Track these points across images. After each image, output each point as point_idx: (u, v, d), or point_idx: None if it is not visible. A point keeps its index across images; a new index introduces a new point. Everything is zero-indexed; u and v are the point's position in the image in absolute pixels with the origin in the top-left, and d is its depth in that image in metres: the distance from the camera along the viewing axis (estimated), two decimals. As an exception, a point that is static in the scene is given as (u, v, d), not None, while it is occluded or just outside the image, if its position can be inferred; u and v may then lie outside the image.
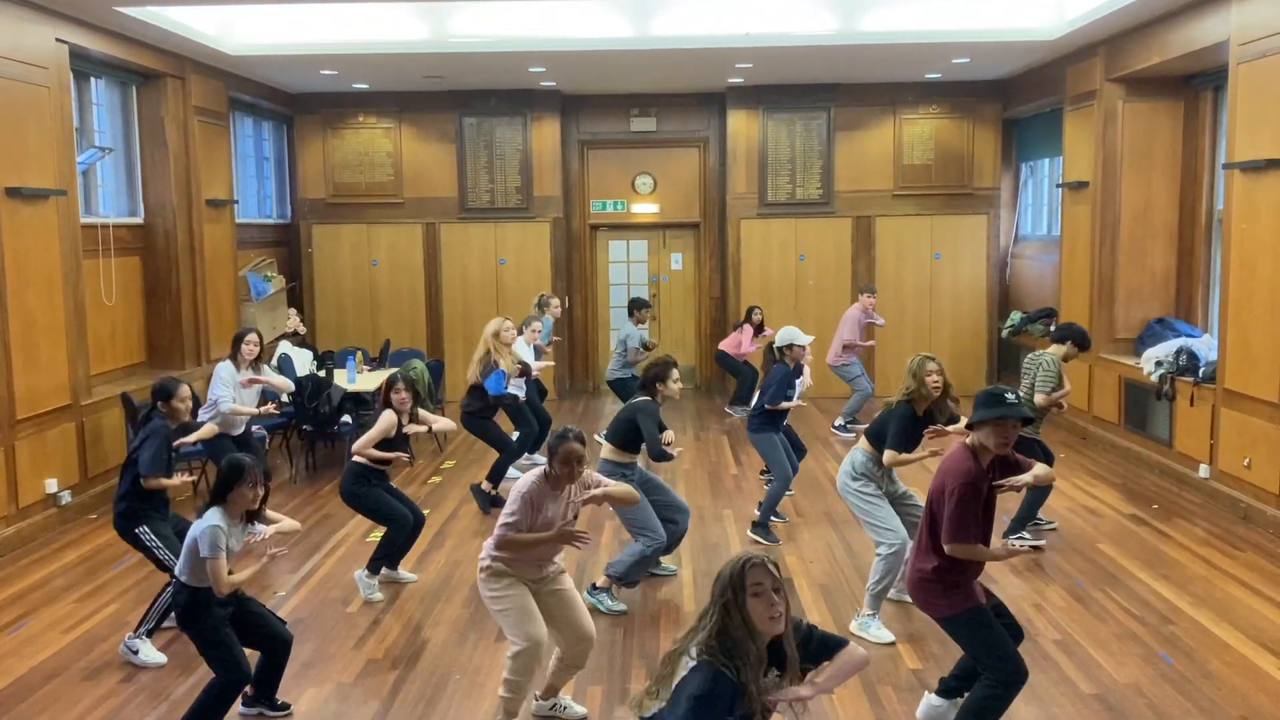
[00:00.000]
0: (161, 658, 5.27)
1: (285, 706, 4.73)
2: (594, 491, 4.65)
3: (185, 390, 5.75)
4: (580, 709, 4.71)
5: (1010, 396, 4.04)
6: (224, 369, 7.31)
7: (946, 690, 4.50)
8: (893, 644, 5.41)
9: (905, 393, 5.60)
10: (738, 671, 2.80)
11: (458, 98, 12.74)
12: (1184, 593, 6.07)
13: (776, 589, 2.85)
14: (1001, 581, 6.32)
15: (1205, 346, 8.64)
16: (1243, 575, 6.36)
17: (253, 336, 7.47)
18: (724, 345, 11.65)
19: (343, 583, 6.45)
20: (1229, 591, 6.10)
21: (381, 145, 12.93)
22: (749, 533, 7.24)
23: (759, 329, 11.34)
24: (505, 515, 4.47)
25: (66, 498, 7.78)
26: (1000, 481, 4.11)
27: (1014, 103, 12.42)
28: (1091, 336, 7.88)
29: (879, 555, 5.57)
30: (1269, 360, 7.28)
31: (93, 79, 9.19)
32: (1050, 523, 7.36)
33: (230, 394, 7.22)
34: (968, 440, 4.14)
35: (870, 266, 12.86)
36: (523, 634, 4.41)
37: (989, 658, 4.06)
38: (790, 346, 7.47)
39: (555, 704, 4.69)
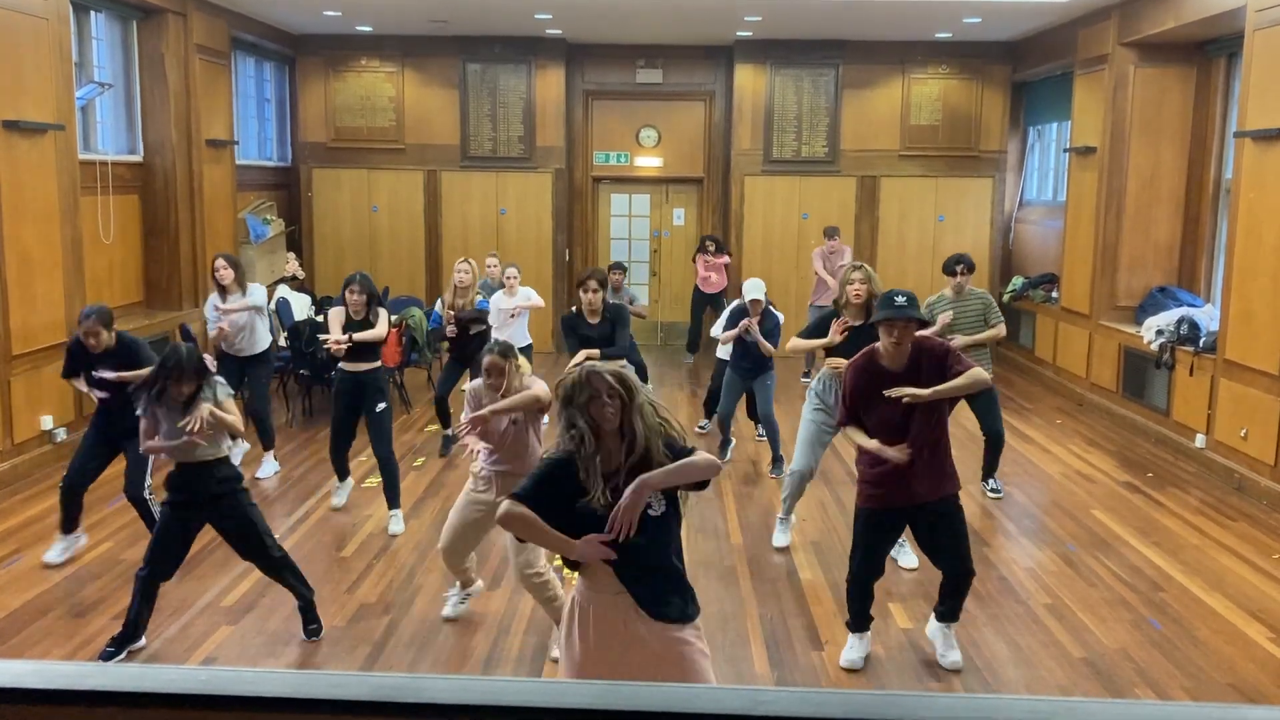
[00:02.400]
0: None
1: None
2: (482, 411, 4.61)
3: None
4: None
5: (900, 299, 4.27)
6: (210, 300, 7.65)
7: (941, 614, 4.71)
8: (784, 550, 6.16)
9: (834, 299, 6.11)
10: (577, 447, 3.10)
11: (462, 43, 12.58)
12: (1175, 560, 6.09)
13: (610, 393, 3.07)
14: (994, 544, 6.35)
15: (1207, 316, 8.62)
16: (1234, 545, 6.39)
17: (220, 262, 7.49)
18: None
19: (337, 527, 6.46)
20: (1220, 560, 6.12)
21: (384, 90, 12.78)
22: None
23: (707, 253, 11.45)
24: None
25: (62, 435, 7.77)
26: (889, 392, 4.28)
27: (1024, 65, 12.28)
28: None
29: (788, 471, 6.21)
30: (1270, 331, 7.25)
31: (93, 12, 9.04)
32: (998, 493, 7.31)
33: (213, 318, 7.47)
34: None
35: (874, 227, 12.79)
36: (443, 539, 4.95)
37: (852, 550, 4.65)
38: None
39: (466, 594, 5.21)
